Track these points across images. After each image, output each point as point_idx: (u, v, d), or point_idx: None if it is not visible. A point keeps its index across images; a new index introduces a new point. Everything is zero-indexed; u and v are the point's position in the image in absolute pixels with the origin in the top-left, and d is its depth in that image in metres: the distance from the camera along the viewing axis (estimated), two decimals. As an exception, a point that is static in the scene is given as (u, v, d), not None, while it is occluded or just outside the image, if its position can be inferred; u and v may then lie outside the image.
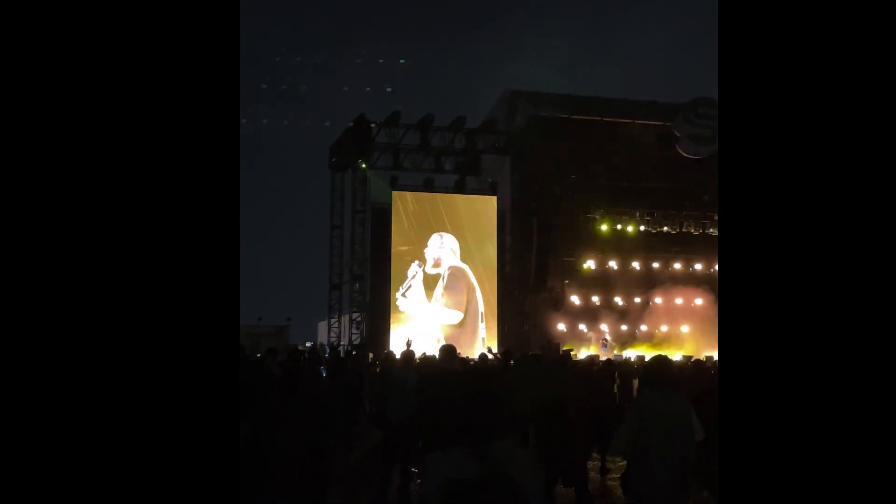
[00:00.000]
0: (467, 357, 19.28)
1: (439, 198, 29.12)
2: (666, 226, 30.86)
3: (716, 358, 20.53)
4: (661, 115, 29.87)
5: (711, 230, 30.59)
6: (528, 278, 29.79)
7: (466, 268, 28.40)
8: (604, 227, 30.20)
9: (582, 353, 23.48)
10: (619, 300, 30.18)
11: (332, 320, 30.29)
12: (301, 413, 6.22)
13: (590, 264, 30.13)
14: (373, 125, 29.04)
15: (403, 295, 27.57)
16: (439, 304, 27.96)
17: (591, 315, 29.56)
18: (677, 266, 30.94)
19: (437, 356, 8.59)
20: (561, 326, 28.75)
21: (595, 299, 29.96)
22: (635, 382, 14.20)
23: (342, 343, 28.51)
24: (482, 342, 27.28)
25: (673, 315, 29.93)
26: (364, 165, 29.02)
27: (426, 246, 28.18)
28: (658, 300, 30.22)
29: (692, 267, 31.03)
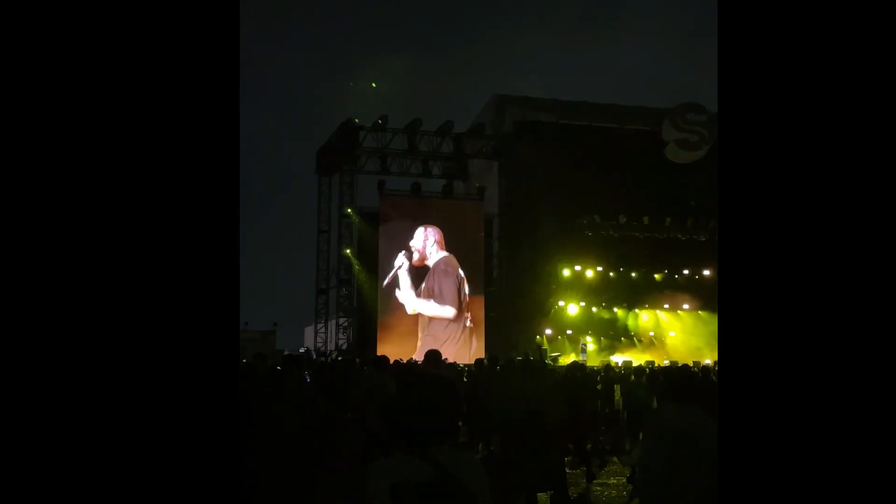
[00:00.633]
0: (455, 362, 19.27)
1: (427, 202, 29.12)
2: (653, 231, 30.98)
3: (704, 362, 20.62)
4: (648, 120, 30.04)
5: (699, 236, 30.72)
6: (515, 283, 29.82)
7: (452, 257, 28.45)
8: (591, 233, 30.28)
9: (571, 358, 23.51)
10: (605, 305, 30.27)
11: (319, 325, 30.24)
12: (285, 418, 6.15)
13: (577, 269, 30.20)
14: (360, 129, 29.03)
15: (396, 287, 27.62)
16: (430, 299, 27.95)
17: (578, 321, 29.62)
18: (665, 271, 31.06)
19: (422, 361, 8.58)
20: (548, 332, 28.81)
21: (582, 304, 30.03)
22: (618, 388, 14.23)
23: (330, 350, 28.45)
24: (469, 332, 27.41)
25: (659, 320, 30.06)
26: (351, 170, 28.99)
27: (412, 238, 28.16)
28: (645, 305, 30.34)
29: (679, 272, 31.15)
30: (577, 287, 30.18)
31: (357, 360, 19.83)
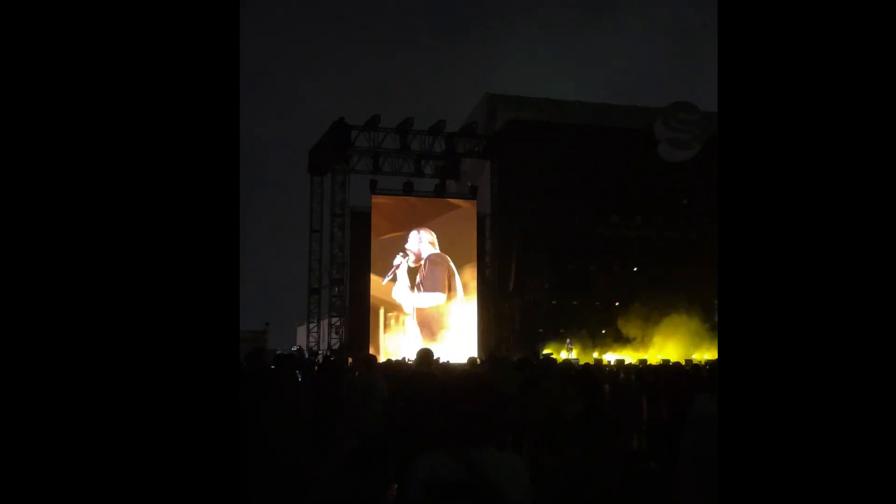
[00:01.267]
0: (447, 361, 19.27)
1: (419, 202, 29.12)
2: (645, 229, 31.03)
3: (696, 360, 20.66)
4: (640, 119, 30.07)
5: (690, 234, 30.79)
6: (508, 282, 29.84)
7: (445, 255, 28.55)
8: (583, 231, 30.32)
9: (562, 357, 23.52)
10: (598, 304, 30.30)
11: (312, 325, 30.21)
12: (274, 417, 6.15)
13: (569, 268, 30.22)
14: (352, 129, 29.00)
15: (392, 281, 27.74)
16: (420, 290, 28.12)
17: (571, 319, 29.64)
18: (657, 269, 31.09)
19: (414, 360, 8.54)
20: (541, 330, 28.83)
21: (574, 303, 30.06)
22: (606, 387, 14.26)
23: (321, 349, 28.42)
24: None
25: (652, 319, 30.09)
26: (343, 169, 28.98)
27: (406, 241, 28.22)
28: (637, 304, 30.37)
29: (672, 271, 31.19)
30: (569, 286, 30.20)
31: (349, 360, 19.82)
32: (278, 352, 18.97)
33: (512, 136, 29.45)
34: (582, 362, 18.87)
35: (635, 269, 30.94)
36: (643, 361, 17.78)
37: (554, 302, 29.96)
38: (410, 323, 28.05)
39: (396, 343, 27.18)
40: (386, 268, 27.87)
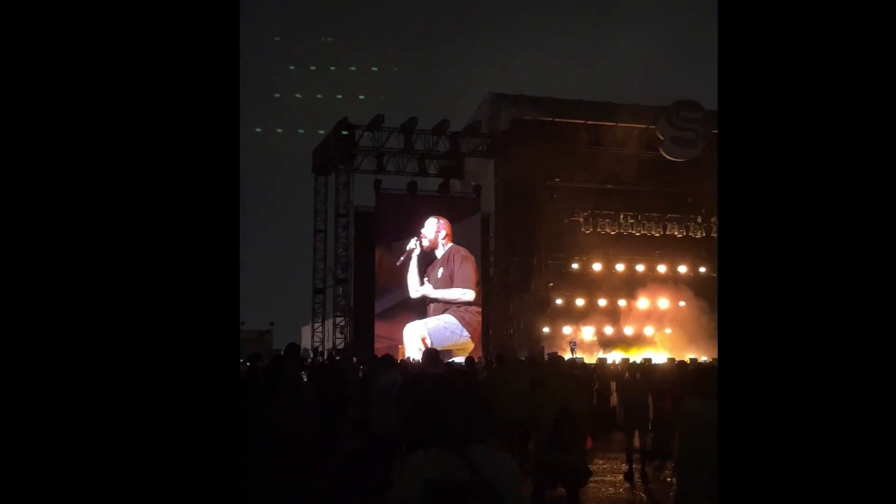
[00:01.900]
0: (452, 361, 19.27)
1: (423, 201, 29.10)
2: (650, 228, 31.00)
3: (701, 359, 20.63)
4: (644, 117, 29.99)
5: (695, 232, 30.75)
6: (512, 281, 29.81)
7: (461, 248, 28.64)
8: (587, 230, 30.27)
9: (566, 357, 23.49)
10: (603, 303, 30.26)
11: (316, 325, 30.22)
12: (281, 418, 6.15)
13: (574, 267, 30.19)
14: (356, 128, 29.00)
15: (406, 270, 27.77)
16: (447, 284, 28.11)
17: (575, 318, 29.60)
18: (661, 268, 31.04)
19: (420, 360, 8.59)
20: (545, 329, 28.79)
21: (579, 302, 30.02)
22: (613, 385, 14.27)
23: (326, 348, 28.44)
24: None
25: (657, 317, 30.04)
26: (347, 169, 28.98)
27: (422, 227, 28.26)
28: (642, 303, 30.31)
29: (676, 269, 31.14)
30: (574, 285, 30.16)
31: (354, 359, 19.83)
32: (281, 352, 19.01)
33: (516, 135, 29.41)
34: (586, 361, 18.84)
35: (639, 267, 30.89)
36: (648, 360, 17.75)
37: (558, 301, 29.92)
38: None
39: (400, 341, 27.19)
40: (388, 270, 27.91)
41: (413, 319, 27.72)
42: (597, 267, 30.32)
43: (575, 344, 27.24)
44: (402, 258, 27.72)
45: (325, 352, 26.91)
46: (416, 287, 27.77)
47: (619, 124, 29.69)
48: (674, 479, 5.28)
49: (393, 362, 9.97)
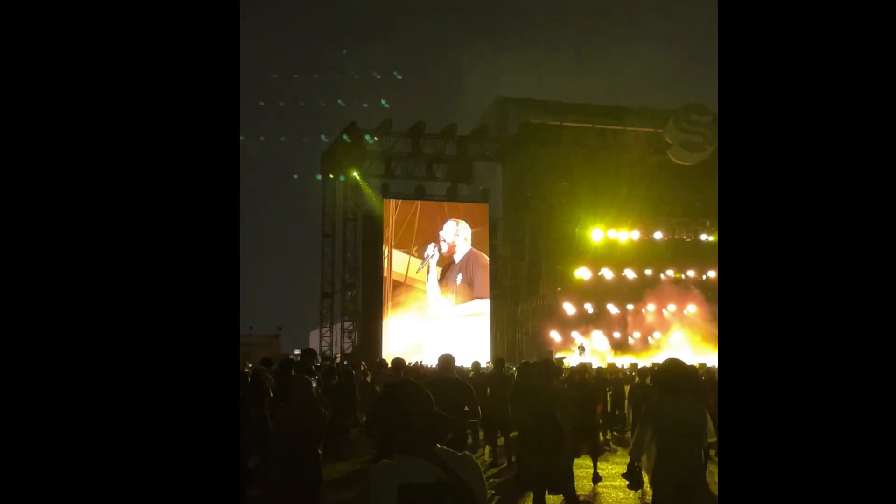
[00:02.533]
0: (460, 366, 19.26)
1: (431, 205, 29.13)
2: (658, 232, 30.95)
3: (709, 365, 20.56)
4: (652, 121, 29.98)
5: (703, 237, 30.68)
6: (520, 286, 29.79)
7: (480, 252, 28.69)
8: (595, 235, 30.24)
9: (574, 361, 23.45)
10: (611, 307, 30.21)
11: (324, 329, 30.25)
12: (290, 423, 6.16)
13: (582, 272, 30.17)
14: (365, 133, 29.06)
15: (417, 271, 27.86)
16: (466, 290, 28.22)
17: (583, 322, 29.57)
18: (669, 273, 30.99)
19: (437, 365, 8.60)
20: (553, 334, 28.76)
21: (587, 307, 29.98)
22: (626, 388, 14.23)
23: (334, 352, 28.47)
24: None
25: (665, 322, 29.99)
26: (355, 174, 29.02)
27: (441, 229, 28.33)
28: (650, 307, 30.26)
29: (684, 274, 31.08)
30: (582, 289, 30.14)
31: (362, 364, 19.85)
32: (290, 356, 19.04)
33: (524, 139, 29.44)
34: (595, 366, 18.77)
35: (648, 272, 30.85)
36: (657, 364, 17.67)
37: (566, 305, 29.88)
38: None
39: (408, 345, 27.21)
40: (397, 274, 27.96)
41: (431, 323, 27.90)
42: (605, 271, 30.29)
43: (583, 348, 27.20)
44: (420, 265, 27.75)
45: (334, 356, 26.93)
46: (436, 295, 27.86)
47: (627, 128, 29.68)
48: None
49: (400, 367, 9.98)
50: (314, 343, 31.57)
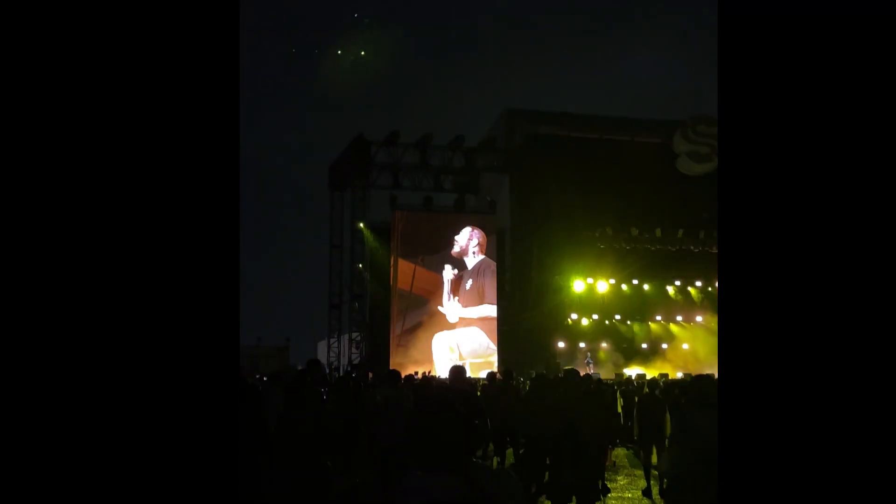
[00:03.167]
0: (475, 377, 19.27)
1: (439, 217, 29.18)
2: (666, 243, 30.88)
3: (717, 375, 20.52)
4: (659, 132, 29.97)
5: (711, 248, 30.63)
6: (527, 297, 29.77)
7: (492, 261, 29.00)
8: (603, 245, 30.21)
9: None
10: (618, 318, 30.15)
11: (332, 340, 30.25)
12: (301, 435, 6.18)
13: (589, 282, 30.13)
14: (372, 144, 29.13)
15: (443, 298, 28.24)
16: (475, 297, 28.48)
17: (591, 333, 29.53)
18: (677, 283, 30.93)
19: (448, 377, 8.63)
20: (560, 345, 28.72)
21: (595, 317, 29.94)
22: (636, 399, 14.20)
23: (342, 363, 28.48)
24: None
25: (672, 333, 29.92)
26: (363, 185, 29.09)
27: (448, 238, 28.65)
28: (658, 317, 30.19)
29: (692, 285, 31.02)
30: (590, 300, 30.10)
31: (370, 375, 19.86)
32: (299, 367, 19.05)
33: (531, 150, 29.45)
34: (603, 377, 18.76)
35: (656, 282, 30.80)
36: (664, 375, 17.66)
37: (574, 316, 29.84)
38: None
39: (418, 357, 27.24)
40: (403, 287, 28.11)
41: (441, 332, 28.04)
42: (612, 282, 30.24)
43: (591, 359, 27.15)
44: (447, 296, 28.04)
45: (342, 368, 26.94)
46: (455, 313, 28.22)
47: (634, 139, 29.66)
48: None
49: (398, 378, 10.01)
50: (322, 354, 31.58)
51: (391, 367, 19.57)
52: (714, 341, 27.36)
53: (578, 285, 30.02)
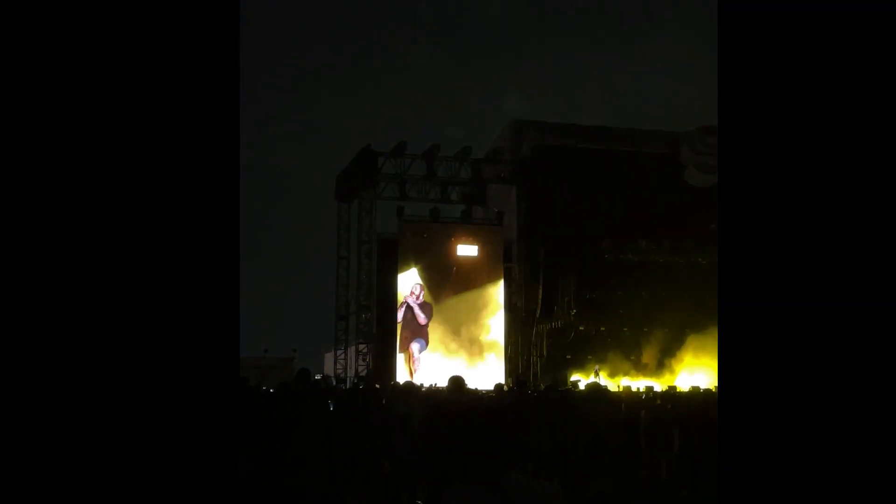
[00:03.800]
0: (476, 388, 19.20)
1: (445, 228, 29.17)
2: (673, 255, 30.79)
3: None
4: (666, 143, 29.93)
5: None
6: (534, 308, 29.71)
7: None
8: (610, 257, 30.15)
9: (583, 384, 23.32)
10: (626, 330, 30.05)
11: (339, 351, 30.24)
12: (308, 447, 6.14)
13: (597, 294, 30.04)
14: (379, 155, 29.18)
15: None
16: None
17: (598, 344, 29.42)
18: (685, 295, 30.81)
19: (447, 387, 8.56)
20: (568, 356, 28.63)
21: (603, 329, 29.84)
22: (643, 413, 14.11)
23: (349, 375, 28.44)
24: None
25: (681, 345, 29.78)
26: (370, 196, 29.13)
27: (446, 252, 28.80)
28: (666, 329, 30.07)
29: (700, 296, 30.88)
30: (597, 311, 30.00)
31: (376, 386, 19.80)
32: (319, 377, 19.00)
33: (538, 161, 29.45)
34: (611, 389, 18.68)
35: (664, 294, 30.68)
36: (672, 388, 17.57)
37: (581, 328, 29.75)
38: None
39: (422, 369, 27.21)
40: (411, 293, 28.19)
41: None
42: (620, 293, 30.14)
43: (599, 371, 27.06)
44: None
45: (348, 379, 26.90)
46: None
47: (641, 150, 29.63)
48: None
49: (410, 390, 9.97)
50: (329, 365, 31.57)
51: (396, 379, 19.51)
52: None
53: (586, 296, 29.91)
